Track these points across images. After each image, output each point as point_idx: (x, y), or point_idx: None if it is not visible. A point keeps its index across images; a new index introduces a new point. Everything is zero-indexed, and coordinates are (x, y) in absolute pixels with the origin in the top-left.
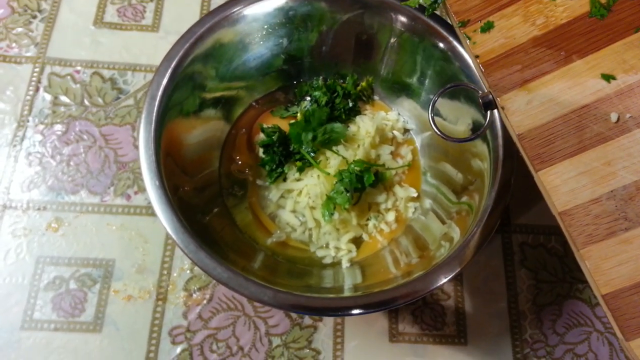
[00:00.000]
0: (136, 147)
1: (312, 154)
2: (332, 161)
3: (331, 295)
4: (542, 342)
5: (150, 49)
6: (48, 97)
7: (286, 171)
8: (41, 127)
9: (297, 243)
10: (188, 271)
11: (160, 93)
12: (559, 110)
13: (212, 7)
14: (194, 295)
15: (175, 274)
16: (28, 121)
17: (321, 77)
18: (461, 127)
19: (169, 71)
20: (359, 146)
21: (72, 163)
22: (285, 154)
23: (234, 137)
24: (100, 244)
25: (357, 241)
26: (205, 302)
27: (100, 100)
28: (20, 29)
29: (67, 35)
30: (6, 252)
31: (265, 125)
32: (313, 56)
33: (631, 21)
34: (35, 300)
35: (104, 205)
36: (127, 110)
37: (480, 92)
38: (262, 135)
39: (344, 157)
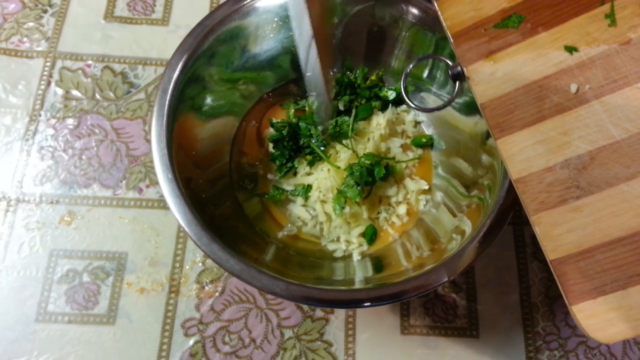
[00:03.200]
0: (147, 140)
1: (322, 148)
2: (342, 155)
3: (343, 288)
4: (555, 335)
5: (160, 43)
6: (59, 91)
7: (296, 165)
8: (53, 121)
9: (308, 236)
10: (200, 264)
11: (171, 86)
12: (521, 81)
13: (222, 0)
14: (206, 288)
15: (187, 267)
16: (40, 115)
17: (333, 69)
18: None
19: (180, 64)
20: (369, 139)
21: (84, 157)
22: (295, 148)
23: (244, 131)
24: (113, 237)
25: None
26: (217, 294)
27: (111, 94)
28: (31, 24)
29: (78, 29)
30: (20, 246)
31: (274, 120)
32: (323, 49)
33: None
34: (49, 293)
35: (116, 198)
36: (138, 104)
37: (450, 63)
38: (271, 130)
39: (354, 151)
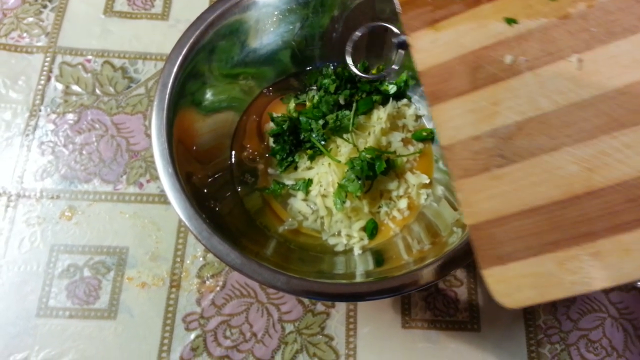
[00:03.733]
0: (148, 135)
1: (322, 142)
2: (343, 149)
3: (344, 281)
4: (556, 328)
5: (160, 38)
6: (60, 86)
7: (297, 160)
8: (53, 116)
9: (309, 231)
10: (201, 258)
11: (171, 81)
12: (460, 50)
13: None
14: (207, 283)
15: (188, 261)
16: (40, 110)
17: (331, 64)
18: None
19: (180, 59)
20: (369, 133)
21: (84, 152)
22: (296, 143)
23: (244, 125)
24: (114, 232)
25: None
26: (218, 289)
27: (111, 89)
28: (31, 19)
29: (78, 24)
30: (20, 241)
31: (275, 114)
32: (324, 43)
33: None
34: (50, 288)
35: (117, 193)
36: (138, 99)
37: (397, 32)
38: (272, 124)
39: (355, 145)
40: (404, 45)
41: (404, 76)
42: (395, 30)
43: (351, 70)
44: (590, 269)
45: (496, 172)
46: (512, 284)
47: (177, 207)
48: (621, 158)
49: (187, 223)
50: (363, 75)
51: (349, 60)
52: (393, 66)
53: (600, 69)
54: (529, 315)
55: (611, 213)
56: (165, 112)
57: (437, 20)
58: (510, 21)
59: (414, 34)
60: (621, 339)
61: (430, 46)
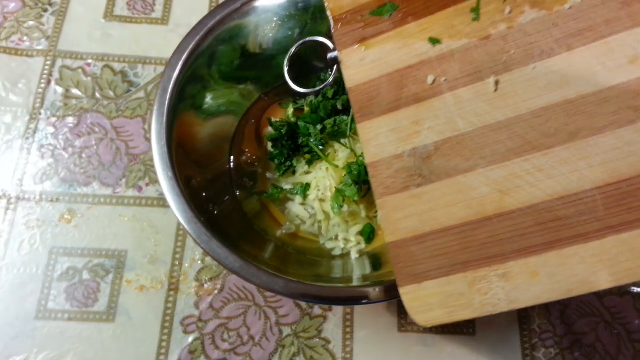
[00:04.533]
0: (147, 139)
1: (320, 147)
2: (341, 154)
3: (341, 285)
4: (551, 332)
5: (160, 42)
6: (60, 90)
7: (295, 164)
8: (53, 119)
9: (307, 235)
10: (199, 262)
11: (171, 85)
12: (386, 69)
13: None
14: (205, 286)
15: (186, 265)
16: (40, 114)
17: (329, 70)
18: None
19: (181, 63)
20: None
21: (84, 155)
22: (294, 148)
23: (243, 130)
24: (113, 235)
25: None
26: (216, 292)
27: (111, 93)
28: (31, 23)
29: (78, 28)
30: (20, 243)
31: (273, 119)
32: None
33: None
34: (49, 291)
35: (116, 197)
36: (138, 103)
37: (331, 47)
38: (270, 129)
39: (352, 150)
40: (336, 61)
41: None
42: (330, 45)
43: (288, 83)
44: (498, 290)
45: (415, 191)
46: (425, 302)
47: (177, 210)
48: (532, 181)
49: (186, 226)
50: (300, 89)
51: (286, 74)
52: (328, 81)
53: (517, 91)
54: (524, 319)
55: (520, 235)
56: (165, 116)
57: (366, 38)
58: (434, 41)
59: (345, 51)
60: (615, 343)
61: (359, 63)
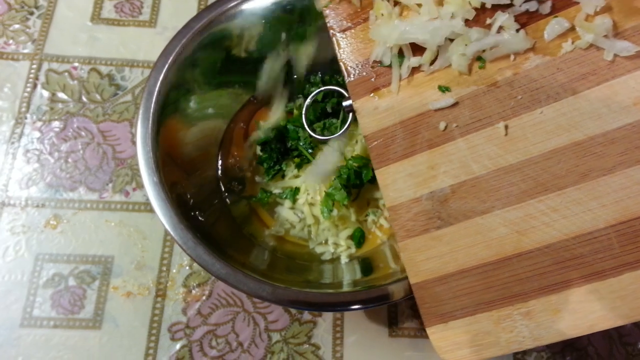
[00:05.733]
0: (134, 143)
1: (310, 150)
2: (330, 157)
3: (330, 291)
4: None
5: (147, 45)
6: (46, 93)
7: (284, 168)
8: (39, 124)
9: (296, 239)
10: (187, 267)
11: (157, 89)
12: (399, 116)
13: (210, 2)
14: (193, 292)
15: (174, 271)
16: (26, 118)
17: (319, 72)
18: None
19: (166, 67)
20: (357, 141)
21: (70, 160)
22: (283, 151)
23: (231, 134)
24: (99, 240)
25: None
26: (204, 298)
27: (97, 96)
28: (17, 26)
29: (64, 31)
30: (5, 250)
31: (262, 122)
32: (311, 50)
33: None
34: (34, 298)
35: (103, 202)
36: (125, 106)
37: (347, 95)
38: (259, 133)
39: (341, 153)
40: (352, 109)
41: None
42: (345, 94)
43: (308, 132)
44: (523, 328)
45: (435, 233)
46: (452, 341)
47: (162, 216)
48: (547, 221)
49: (172, 233)
50: (318, 136)
51: (304, 121)
52: (345, 126)
53: (526, 134)
54: None
55: (540, 274)
56: (150, 120)
57: (378, 88)
58: (443, 89)
59: (359, 101)
60: (607, 346)
61: (373, 112)
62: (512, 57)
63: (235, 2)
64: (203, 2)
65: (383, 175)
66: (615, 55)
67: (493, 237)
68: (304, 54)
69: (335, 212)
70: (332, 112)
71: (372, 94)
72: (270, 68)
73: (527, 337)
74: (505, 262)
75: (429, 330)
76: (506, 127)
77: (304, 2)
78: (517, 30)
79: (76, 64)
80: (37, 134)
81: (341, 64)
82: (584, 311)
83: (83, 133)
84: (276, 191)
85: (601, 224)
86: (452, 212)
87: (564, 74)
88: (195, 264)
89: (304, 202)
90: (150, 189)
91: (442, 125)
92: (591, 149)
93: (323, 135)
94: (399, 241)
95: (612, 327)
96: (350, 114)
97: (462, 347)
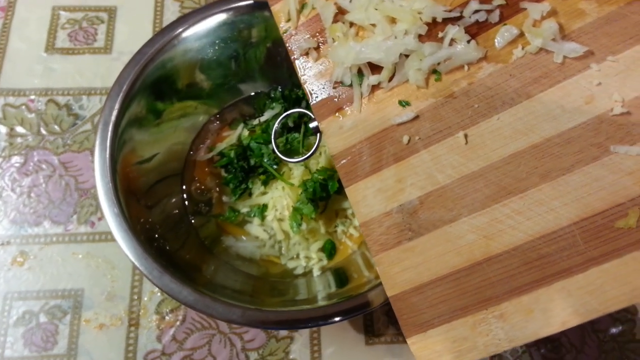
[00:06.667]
0: None
1: (274, 166)
2: (296, 171)
3: (305, 307)
4: None
5: (104, 72)
6: (4, 129)
7: (250, 186)
8: None
9: (268, 257)
10: (158, 294)
11: (113, 119)
12: (364, 133)
13: (164, 26)
14: (167, 318)
15: (145, 298)
16: None
17: (279, 87)
18: None
19: (121, 95)
20: (321, 154)
21: (32, 194)
22: (248, 169)
23: (194, 155)
24: (68, 274)
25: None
26: (178, 323)
27: (56, 127)
28: None
29: (18, 64)
30: None
31: (219, 144)
32: (268, 66)
33: None
34: (5, 338)
35: (68, 234)
36: (85, 135)
37: (313, 117)
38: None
39: (306, 167)
40: (318, 130)
41: None
42: (311, 115)
43: (277, 155)
44: (498, 331)
45: (407, 244)
46: (432, 350)
47: (126, 247)
48: (513, 224)
49: (136, 263)
50: (288, 160)
51: (274, 146)
52: (314, 149)
53: (485, 141)
54: None
55: (510, 277)
56: (108, 150)
57: (341, 108)
58: (404, 104)
59: (324, 121)
60: (579, 335)
61: (338, 131)
62: (466, 67)
63: (187, 25)
64: (158, 25)
65: (353, 192)
66: (565, 57)
67: (462, 244)
68: (260, 71)
69: (304, 226)
70: (294, 127)
71: (336, 114)
72: (229, 87)
73: (503, 339)
74: (476, 267)
75: (409, 341)
76: (466, 135)
77: (255, 20)
78: (468, 42)
79: (33, 97)
80: None
81: (304, 86)
82: (555, 309)
83: (44, 166)
84: (244, 210)
85: (564, 222)
86: (422, 223)
87: (516, 79)
88: None
89: (272, 219)
90: (112, 221)
91: (405, 138)
92: (549, 150)
93: (288, 156)
94: (374, 255)
95: (583, 322)
96: (319, 135)
97: (442, 355)
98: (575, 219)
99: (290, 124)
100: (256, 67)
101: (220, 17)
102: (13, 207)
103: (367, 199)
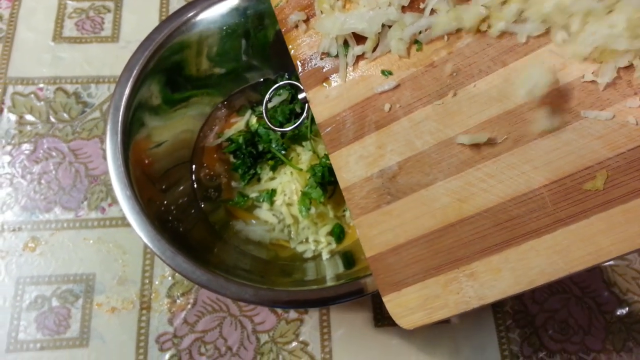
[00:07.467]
0: (106, 159)
1: (282, 152)
2: (304, 156)
3: (314, 287)
4: (523, 312)
5: (112, 60)
6: (13, 117)
7: (259, 172)
8: (9, 147)
9: (278, 241)
10: (170, 278)
11: (123, 104)
12: (348, 102)
13: (171, 13)
14: (178, 301)
15: (157, 282)
16: None
17: (286, 73)
18: None
19: (130, 81)
20: None
21: (43, 181)
22: (256, 155)
23: (203, 141)
24: (79, 259)
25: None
26: (189, 306)
27: (65, 115)
28: None
29: (27, 53)
30: None
31: (227, 130)
32: (275, 53)
33: None
34: (18, 322)
35: (79, 220)
36: (94, 123)
37: (302, 88)
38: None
39: (314, 152)
40: (307, 100)
41: None
42: (301, 86)
43: (268, 126)
44: (468, 289)
45: (386, 208)
46: (406, 307)
47: (139, 229)
48: (485, 187)
49: (149, 244)
50: (279, 129)
51: (265, 117)
52: (303, 117)
53: (462, 108)
54: (497, 302)
55: (481, 237)
56: (119, 135)
57: (327, 78)
58: (386, 73)
59: (311, 91)
60: (586, 316)
61: (324, 100)
62: (445, 37)
63: (195, 11)
64: (164, 13)
65: (336, 159)
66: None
67: (437, 207)
68: (267, 57)
69: (313, 210)
70: (301, 112)
71: (323, 84)
72: (236, 73)
73: (473, 297)
74: (449, 228)
75: (385, 299)
76: (443, 103)
77: (263, 6)
78: (448, 12)
79: (41, 85)
80: (7, 158)
81: (293, 58)
82: (523, 268)
83: (54, 153)
84: (253, 195)
85: (535, 185)
86: (400, 187)
87: (493, 48)
88: (177, 274)
89: (281, 203)
90: (125, 203)
91: (386, 106)
92: (521, 116)
93: (296, 142)
94: (354, 219)
95: (550, 281)
96: (307, 105)
97: (415, 312)
98: (545, 182)
99: (298, 110)
100: (263, 53)
101: (227, 3)
102: (24, 193)
103: (349, 165)
